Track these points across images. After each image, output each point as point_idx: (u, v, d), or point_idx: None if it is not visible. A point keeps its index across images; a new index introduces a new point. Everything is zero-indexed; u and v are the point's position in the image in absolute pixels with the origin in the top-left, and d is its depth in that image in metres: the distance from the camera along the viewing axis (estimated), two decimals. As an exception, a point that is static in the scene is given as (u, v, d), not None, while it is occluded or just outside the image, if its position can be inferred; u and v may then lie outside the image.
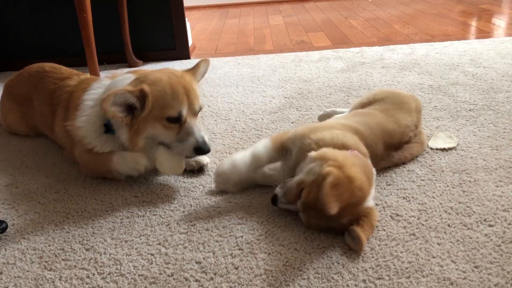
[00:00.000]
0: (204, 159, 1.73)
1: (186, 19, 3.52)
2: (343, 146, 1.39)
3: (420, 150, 1.69)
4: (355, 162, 1.30)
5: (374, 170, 1.38)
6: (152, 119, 1.51)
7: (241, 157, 1.52)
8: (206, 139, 1.55)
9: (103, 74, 2.93)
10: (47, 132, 2.04)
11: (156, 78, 1.54)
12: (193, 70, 1.68)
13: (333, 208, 1.15)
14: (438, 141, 1.78)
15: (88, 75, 1.93)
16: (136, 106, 1.50)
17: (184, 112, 1.52)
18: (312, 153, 1.35)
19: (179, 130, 1.53)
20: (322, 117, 2.02)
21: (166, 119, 1.51)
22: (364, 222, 1.24)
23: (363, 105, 1.77)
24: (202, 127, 1.60)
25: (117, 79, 1.66)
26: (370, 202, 1.28)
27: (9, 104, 2.16)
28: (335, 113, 1.97)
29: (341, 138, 1.42)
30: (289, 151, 1.49)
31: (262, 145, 1.53)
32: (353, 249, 1.22)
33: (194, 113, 1.57)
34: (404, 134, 1.61)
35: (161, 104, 1.49)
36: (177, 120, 1.52)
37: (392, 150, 1.60)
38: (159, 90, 1.50)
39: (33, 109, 2.02)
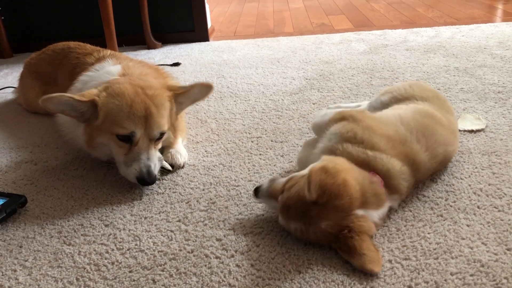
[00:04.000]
0: (179, 159, 1.58)
1: (206, 1, 3.47)
2: (367, 166, 1.18)
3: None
4: (359, 179, 1.12)
5: (386, 204, 1.17)
6: (104, 130, 1.42)
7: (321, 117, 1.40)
8: (153, 169, 1.41)
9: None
10: None
11: (120, 90, 1.41)
12: (183, 90, 1.52)
13: (313, 190, 1.03)
14: (466, 123, 1.72)
15: (107, 53, 1.90)
16: (87, 114, 1.43)
17: (138, 134, 1.40)
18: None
19: (128, 151, 1.42)
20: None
21: (116, 136, 1.41)
22: (354, 231, 1.07)
23: (399, 100, 1.51)
24: (156, 155, 1.46)
25: (100, 72, 1.62)
26: (358, 212, 1.09)
27: (31, 82, 2.16)
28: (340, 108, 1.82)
29: (371, 160, 1.19)
30: (325, 137, 1.31)
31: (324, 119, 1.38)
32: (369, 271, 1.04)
33: (151, 138, 1.43)
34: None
35: (113, 119, 1.39)
36: (128, 140, 1.41)
37: None
38: (117, 104, 1.39)
39: (57, 87, 2.00)
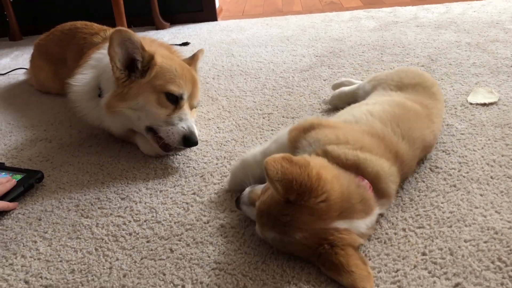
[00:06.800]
0: None
1: (213, -20, 3.45)
2: (355, 169, 1.05)
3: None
4: (343, 182, 0.98)
5: (375, 211, 1.03)
6: (150, 89, 1.41)
7: (253, 156, 1.24)
8: (196, 132, 1.44)
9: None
10: None
11: (168, 56, 1.51)
12: (193, 61, 1.68)
13: (276, 180, 0.87)
14: (478, 96, 1.71)
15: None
16: (137, 67, 1.42)
17: (186, 95, 1.46)
18: None
19: (171, 112, 1.43)
20: (336, 86, 1.82)
21: (165, 94, 1.41)
22: (336, 245, 0.93)
23: (386, 86, 1.46)
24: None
25: None
26: (339, 225, 0.95)
27: (41, 63, 2.18)
28: (350, 83, 1.79)
29: (361, 162, 1.05)
30: (302, 150, 1.16)
31: (278, 144, 1.21)
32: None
33: (192, 106, 1.51)
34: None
35: (167, 77, 1.42)
36: (175, 101, 1.43)
37: None
38: (170, 64, 1.45)
39: (66, 67, 2.01)
